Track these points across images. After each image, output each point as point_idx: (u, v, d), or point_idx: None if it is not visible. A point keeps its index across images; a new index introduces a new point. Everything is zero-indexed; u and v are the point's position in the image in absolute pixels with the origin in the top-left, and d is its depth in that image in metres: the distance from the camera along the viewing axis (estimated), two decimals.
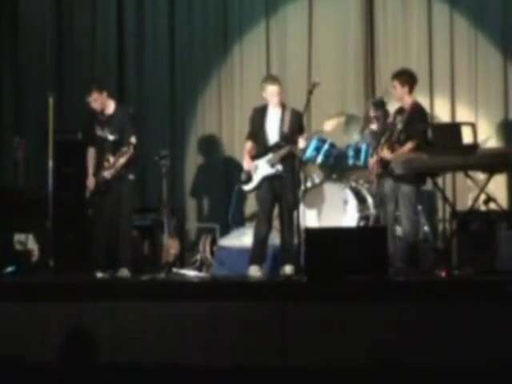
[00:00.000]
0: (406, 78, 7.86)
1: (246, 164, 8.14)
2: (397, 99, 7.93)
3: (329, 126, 7.94)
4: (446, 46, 9.47)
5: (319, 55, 9.82)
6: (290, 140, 7.87)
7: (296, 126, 7.95)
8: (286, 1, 10.00)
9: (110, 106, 8.26)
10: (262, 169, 8.04)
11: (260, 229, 8.03)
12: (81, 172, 8.59)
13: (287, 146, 7.86)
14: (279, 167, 7.97)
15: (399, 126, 7.74)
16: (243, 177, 8.17)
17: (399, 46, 9.62)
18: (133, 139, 8.02)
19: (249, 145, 8.23)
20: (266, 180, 8.03)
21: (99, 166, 8.20)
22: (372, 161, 7.94)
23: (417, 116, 7.77)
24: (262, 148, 8.10)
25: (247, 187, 8.18)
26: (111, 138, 8.16)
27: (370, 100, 8.99)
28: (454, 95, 9.46)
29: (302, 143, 7.82)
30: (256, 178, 8.08)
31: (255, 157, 8.12)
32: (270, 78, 8.26)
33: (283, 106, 8.12)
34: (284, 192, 7.95)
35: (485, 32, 9.38)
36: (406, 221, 7.70)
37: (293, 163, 7.86)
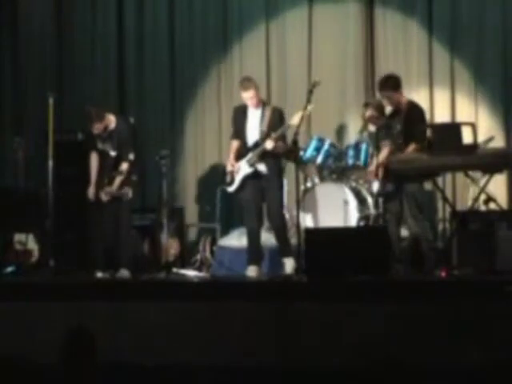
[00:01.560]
0: (394, 81, 7.80)
1: (229, 165, 8.15)
2: (394, 105, 7.83)
3: (295, 119, 7.81)
4: (446, 45, 9.46)
5: (319, 55, 9.82)
6: (268, 138, 7.87)
7: (276, 123, 7.93)
8: (286, 1, 10.00)
9: (112, 122, 8.23)
10: (243, 169, 8.04)
11: (250, 228, 8.02)
12: (81, 172, 8.59)
13: (263, 144, 7.87)
14: (261, 166, 7.97)
15: (398, 127, 7.71)
16: (228, 178, 8.17)
17: (399, 46, 9.61)
18: (131, 156, 8.07)
19: (234, 144, 8.22)
20: (249, 180, 8.02)
21: (101, 179, 8.20)
22: (372, 166, 7.87)
23: (414, 115, 7.72)
24: (243, 149, 8.11)
25: (230, 189, 8.18)
26: (112, 153, 8.18)
27: (365, 101, 9.02)
28: (454, 96, 9.45)
29: (269, 144, 7.82)
30: (237, 179, 8.07)
31: (239, 157, 8.12)
32: (242, 85, 8.07)
33: (263, 104, 8.11)
34: (268, 191, 7.95)
35: (486, 32, 9.38)
36: (412, 220, 7.67)
37: (274, 161, 7.87)
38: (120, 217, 8.17)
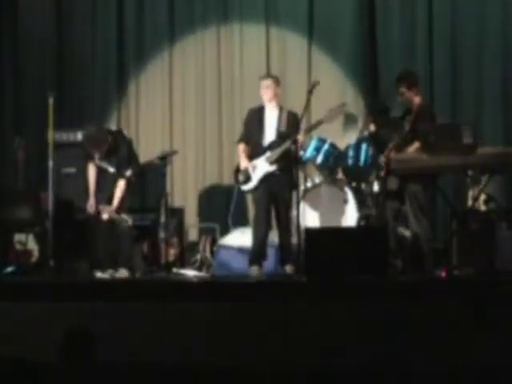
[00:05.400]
0: (412, 79, 7.78)
1: (244, 163, 8.14)
2: (405, 102, 7.83)
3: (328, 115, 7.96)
4: (447, 44, 9.46)
5: (319, 55, 9.82)
6: (286, 138, 7.88)
7: (293, 125, 7.96)
8: (286, 1, 10.00)
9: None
10: (262, 167, 8.04)
11: (258, 228, 8.03)
12: (81, 172, 8.58)
13: (285, 143, 7.87)
14: (277, 165, 7.99)
15: (406, 127, 7.70)
16: (241, 177, 8.16)
17: (400, 45, 9.61)
18: (128, 173, 8.06)
19: (242, 147, 8.24)
20: (263, 179, 8.03)
21: (100, 194, 8.18)
22: (382, 159, 7.79)
23: (423, 116, 7.70)
24: (258, 148, 8.10)
25: (246, 187, 8.18)
26: (111, 169, 8.15)
27: (368, 101, 9.01)
28: (455, 95, 9.46)
29: (288, 144, 7.83)
30: (255, 177, 8.07)
31: (251, 157, 8.12)
32: (265, 75, 8.25)
33: (280, 108, 8.13)
34: (280, 191, 7.96)
35: (487, 31, 9.39)
36: (413, 220, 7.65)
37: (289, 161, 7.87)
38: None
